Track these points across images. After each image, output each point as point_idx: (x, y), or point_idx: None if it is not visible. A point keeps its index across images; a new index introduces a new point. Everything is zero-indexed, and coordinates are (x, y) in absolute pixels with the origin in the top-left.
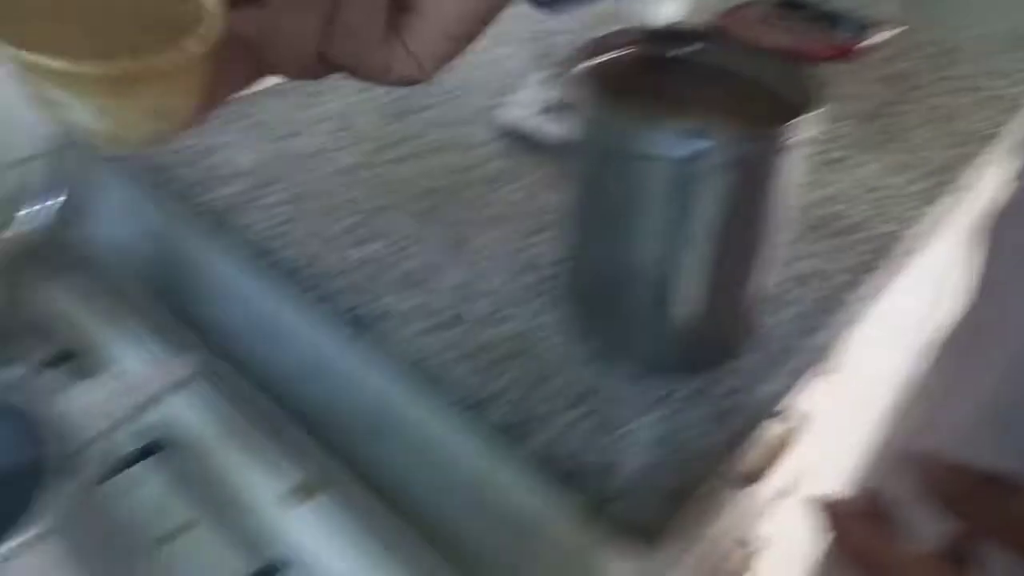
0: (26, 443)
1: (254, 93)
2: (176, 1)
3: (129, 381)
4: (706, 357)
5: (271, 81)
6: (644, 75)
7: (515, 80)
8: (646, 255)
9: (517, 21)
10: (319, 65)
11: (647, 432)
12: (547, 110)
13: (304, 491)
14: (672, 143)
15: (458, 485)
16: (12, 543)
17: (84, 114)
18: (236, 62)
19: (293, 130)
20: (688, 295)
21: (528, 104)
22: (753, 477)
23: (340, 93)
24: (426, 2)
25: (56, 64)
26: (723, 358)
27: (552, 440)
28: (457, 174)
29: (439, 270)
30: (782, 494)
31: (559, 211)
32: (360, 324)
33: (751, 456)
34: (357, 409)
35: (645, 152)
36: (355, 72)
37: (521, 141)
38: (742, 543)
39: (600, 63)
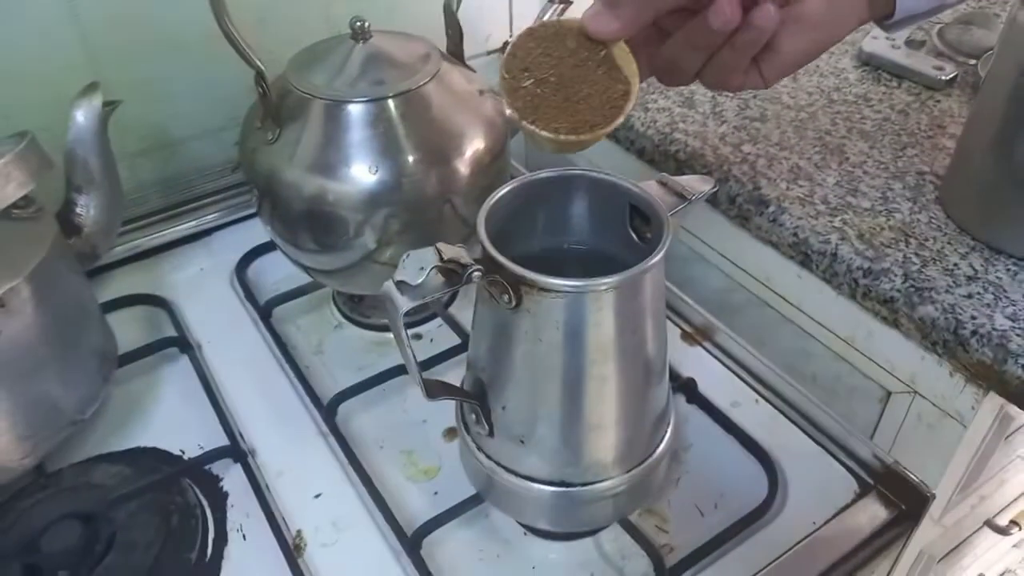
0: None
1: None
2: (613, 82)
3: None
4: None
5: None
6: None
7: None
8: None
9: None
10: (690, 79)
11: None
12: (908, 43)
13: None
14: None
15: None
16: None
17: (552, 149)
18: None
19: None
20: None
21: (889, 36)
22: None
23: None
24: (784, 42)
25: (555, 137)
26: None
27: (951, 306)
28: (825, 94)
29: (820, 169)
30: None
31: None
32: (752, 206)
33: None
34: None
35: None
36: (713, 87)
37: (884, 69)
38: None
39: None
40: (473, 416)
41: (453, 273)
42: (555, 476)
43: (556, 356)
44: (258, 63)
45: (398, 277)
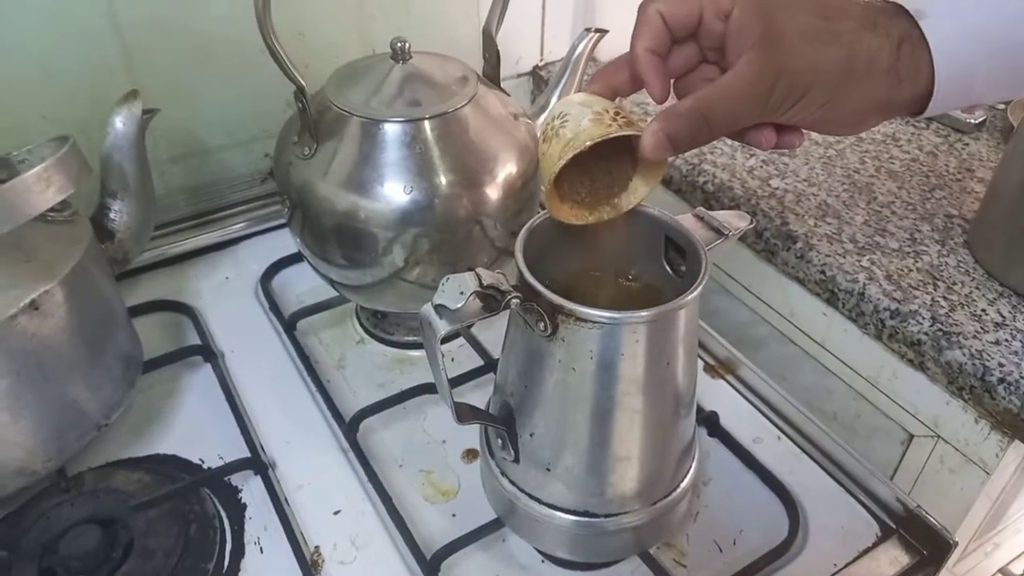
0: None
1: None
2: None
3: None
4: None
5: None
6: None
7: None
8: None
9: None
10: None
11: None
12: None
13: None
14: None
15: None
16: None
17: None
18: None
19: None
20: None
21: None
22: None
23: None
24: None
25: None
26: None
27: (978, 352)
28: None
29: (848, 207)
30: None
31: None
32: (780, 241)
33: None
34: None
35: None
36: (759, 147)
37: None
38: None
39: None
40: (499, 441)
41: (491, 299)
42: (579, 506)
43: (588, 386)
44: (299, 79)
45: (437, 301)
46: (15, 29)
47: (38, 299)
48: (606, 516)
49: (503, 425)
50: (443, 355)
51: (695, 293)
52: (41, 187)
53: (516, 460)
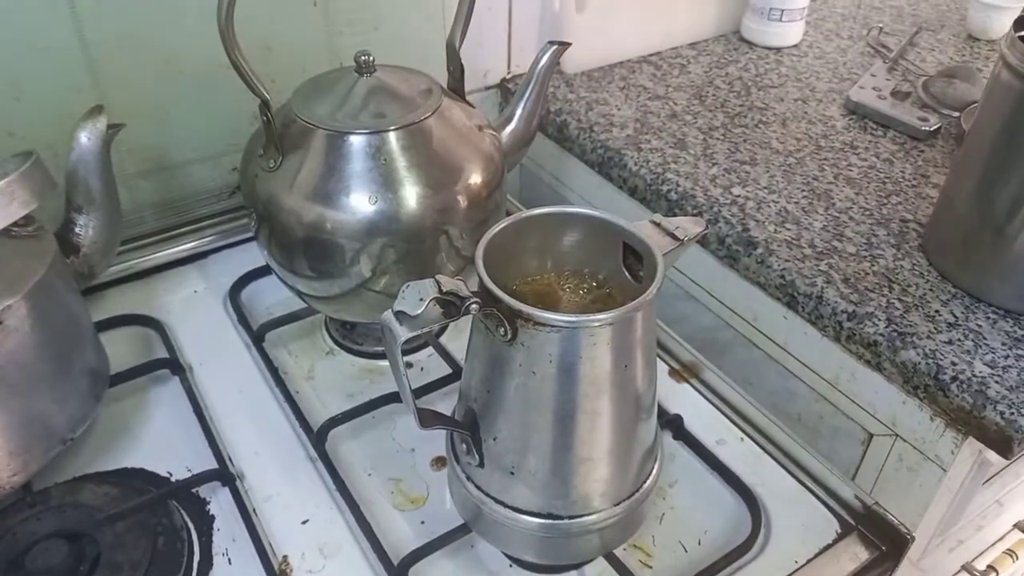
0: None
1: (634, 60)
2: None
3: None
4: None
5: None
6: None
7: (850, 69)
8: None
9: (844, 21)
10: None
11: (1014, 361)
12: (894, 94)
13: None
14: None
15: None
16: None
17: None
18: None
19: (657, 94)
20: None
21: (876, 87)
22: None
23: (700, 64)
24: None
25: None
26: None
27: (932, 352)
28: (813, 141)
29: (807, 213)
30: None
31: (954, 169)
32: (741, 247)
33: None
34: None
35: None
36: None
37: (870, 118)
38: None
39: None
40: (464, 446)
41: (451, 305)
42: (544, 508)
43: (549, 389)
44: (264, 92)
45: (397, 307)
46: None
47: (1, 313)
48: (571, 518)
49: (467, 430)
50: (404, 361)
51: (650, 296)
52: (5, 201)
53: (481, 465)
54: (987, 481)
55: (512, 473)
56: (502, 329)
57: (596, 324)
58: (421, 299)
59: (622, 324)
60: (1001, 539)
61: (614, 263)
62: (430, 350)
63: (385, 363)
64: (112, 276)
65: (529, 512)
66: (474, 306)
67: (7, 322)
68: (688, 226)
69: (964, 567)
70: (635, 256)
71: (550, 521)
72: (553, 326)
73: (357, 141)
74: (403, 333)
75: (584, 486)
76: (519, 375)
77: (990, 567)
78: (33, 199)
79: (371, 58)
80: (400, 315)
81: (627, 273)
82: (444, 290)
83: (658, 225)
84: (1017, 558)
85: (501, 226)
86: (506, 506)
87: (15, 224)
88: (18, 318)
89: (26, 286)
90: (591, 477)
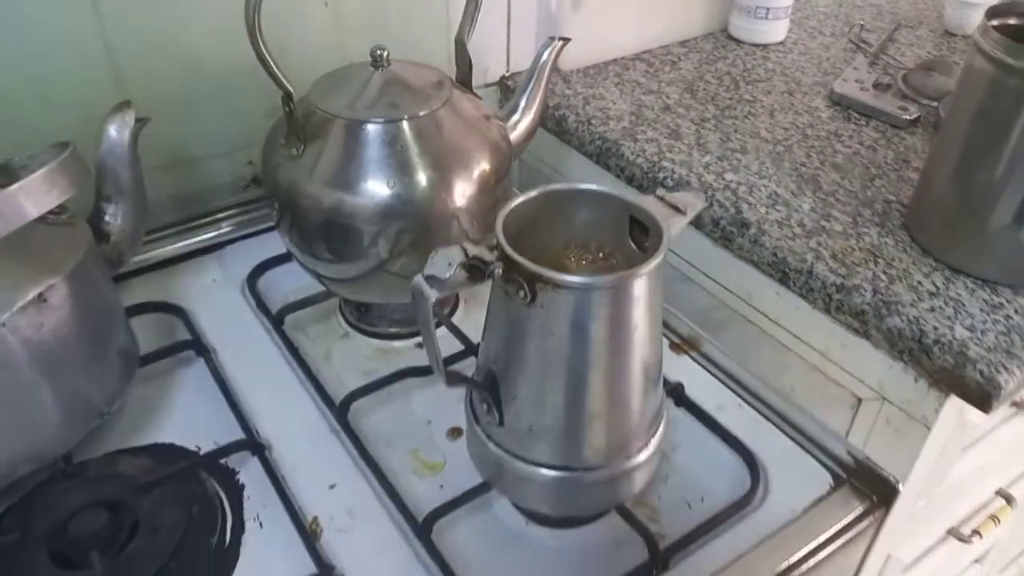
0: None
1: (627, 58)
2: None
3: None
4: None
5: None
6: None
7: (834, 64)
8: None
9: (826, 19)
10: None
11: (991, 326)
12: (876, 86)
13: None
14: None
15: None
16: None
17: None
18: None
19: (650, 89)
20: None
21: (859, 80)
22: None
23: (690, 60)
24: None
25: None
26: None
27: (915, 318)
28: (800, 130)
29: (796, 196)
30: None
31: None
32: (735, 228)
33: None
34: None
35: None
36: None
37: (853, 109)
38: None
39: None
40: (484, 407)
41: (476, 269)
42: (560, 461)
43: (565, 349)
44: (287, 85)
45: (427, 272)
46: (9, 47)
47: (45, 292)
48: (585, 470)
49: (488, 390)
50: (434, 322)
51: (658, 260)
52: (46, 188)
53: (501, 423)
54: (969, 446)
55: (530, 429)
56: (522, 292)
57: (608, 285)
58: (450, 264)
59: (633, 286)
60: (985, 506)
61: (620, 237)
62: (443, 330)
63: (399, 343)
64: (133, 267)
65: (546, 465)
66: (498, 269)
67: (51, 300)
68: (690, 199)
69: (950, 531)
70: (641, 229)
71: (566, 474)
72: (569, 287)
73: (374, 129)
74: (433, 295)
75: (597, 440)
76: (537, 336)
77: (975, 532)
78: (72, 187)
79: (386, 52)
80: (430, 279)
81: (633, 244)
82: (470, 255)
83: (662, 199)
84: (1000, 523)
85: (519, 200)
86: (525, 461)
87: (51, 212)
88: (60, 297)
89: (67, 268)
90: (603, 432)
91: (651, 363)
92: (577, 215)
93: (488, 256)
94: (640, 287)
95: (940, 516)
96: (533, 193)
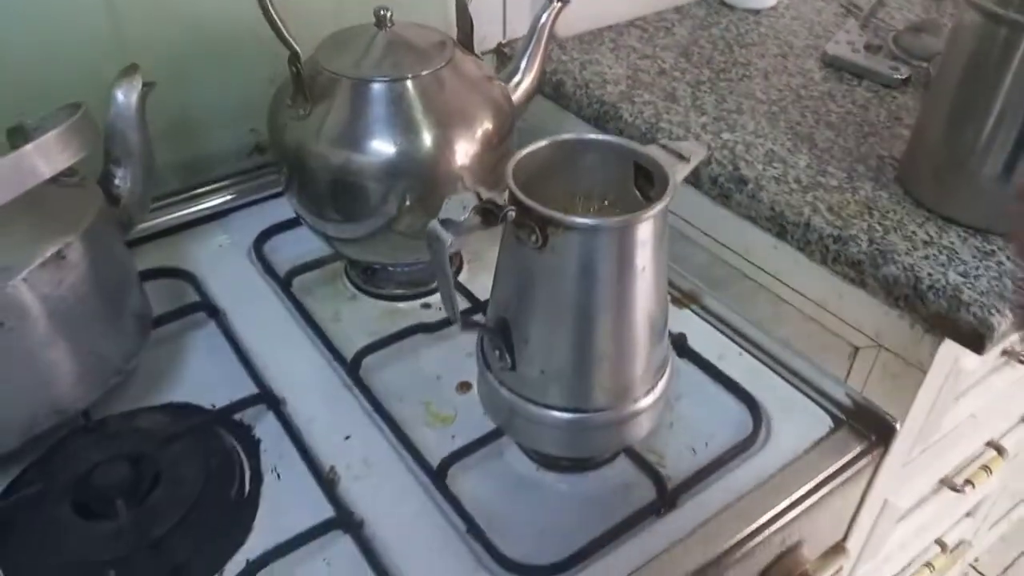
0: None
1: (621, 24)
2: None
3: None
4: None
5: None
6: None
7: (825, 27)
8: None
9: None
10: None
11: (983, 271)
12: (867, 48)
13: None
14: None
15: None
16: None
17: None
18: None
19: (646, 54)
20: None
21: (850, 42)
22: None
23: (684, 26)
24: None
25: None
26: None
27: (910, 266)
28: (794, 91)
29: (792, 153)
30: None
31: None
32: (733, 184)
33: None
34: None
35: None
36: None
37: (846, 70)
38: None
39: None
40: (496, 353)
41: (490, 213)
42: (571, 403)
43: (575, 291)
44: (294, 45)
45: (443, 215)
46: (13, 11)
47: (64, 249)
48: (595, 411)
49: (501, 335)
50: (450, 264)
51: (665, 202)
52: (59, 148)
53: (513, 368)
54: (962, 394)
55: (542, 372)
56: (534, 237)
57: (616, 226)
58: (464, 207)
59: (640, 229)
60: (978, 457)
61: (625, 186)
62: None
63: (405, 305)
64: (140, 233)
65: (558, 407)
66: (511, 213)
67: (69, 257)
68: (693, 147)
69: (943, 480)
70: (645, 178)
71: (577, 415)
72: (580, 229)
73: (380, 88)
74: (448, 238)
75: (606, 382)
76: (548, 280)
77: (967, 481)
78: (84, 147)
79: (390, 12)
80: (445, 223)
81: (639, 193)
82: (484, 199)
83: (665, 147)
84: (991, 473)
85: (528, 149)
86: (537, 404)
87: (62, 175)
88: (77, 254)
89: (82, 226)
90: (612, 373)
91: (657, 308)
92: (583, 165)
93: (501, 200)
94: (646, 230)
95: (934, 465)
96: (541, 143)
